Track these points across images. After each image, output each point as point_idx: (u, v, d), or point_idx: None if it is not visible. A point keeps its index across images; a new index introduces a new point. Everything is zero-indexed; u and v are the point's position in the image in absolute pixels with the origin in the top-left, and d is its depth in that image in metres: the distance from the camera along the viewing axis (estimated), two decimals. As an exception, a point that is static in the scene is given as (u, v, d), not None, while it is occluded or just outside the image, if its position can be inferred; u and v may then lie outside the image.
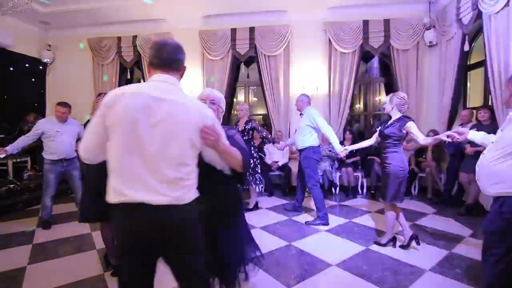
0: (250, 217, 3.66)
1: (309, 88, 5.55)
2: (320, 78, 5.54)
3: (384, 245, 2.88)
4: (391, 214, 2.79)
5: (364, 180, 5.15)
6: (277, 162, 5.19)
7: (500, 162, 1.57)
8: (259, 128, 4.01)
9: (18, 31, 5.77)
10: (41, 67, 6.33)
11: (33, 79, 6.17)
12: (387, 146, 2.72)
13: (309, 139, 3.58)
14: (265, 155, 5.38)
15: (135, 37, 5.93)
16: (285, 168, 5.16)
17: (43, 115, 5.90)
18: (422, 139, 2.58)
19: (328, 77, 5.48)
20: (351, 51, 5.32)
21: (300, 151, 3.69)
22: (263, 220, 3.80)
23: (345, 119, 5.48)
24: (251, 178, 3.94)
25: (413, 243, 2.78)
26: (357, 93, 7.77)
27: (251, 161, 3.84)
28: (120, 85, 6.20)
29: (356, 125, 7.33)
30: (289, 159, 5.40)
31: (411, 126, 2.59)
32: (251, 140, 4.00)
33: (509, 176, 1.53)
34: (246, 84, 6.14)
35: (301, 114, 3.74)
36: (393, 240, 2.90)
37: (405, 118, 2.65)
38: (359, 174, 5.12)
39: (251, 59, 5.98)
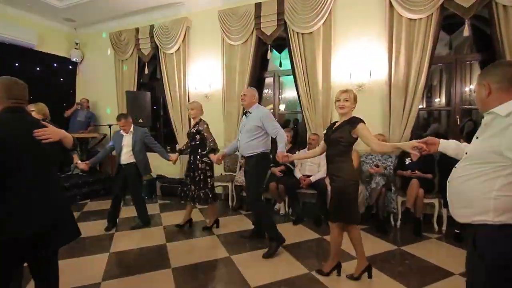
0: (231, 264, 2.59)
1: (358, 74, 3.97)
2: (375, 60, 3.91)
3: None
4: None
5: (444, 211, 3.35)
6: (309, 176, 3.79)
7: (469, 179, 1.19)
8: (205, 134, 3.22)
9: (46, 31, 5.67)
10: (70, 67, 6.20)
11: (61, 79, 6.05)
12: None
13: (257, 143, 2.86)
14: (294, 166, 4.03)
15: (152, 26, 5.26)
16: (319, 185, 3.72)
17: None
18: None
19: (388, 57, 3.81)
20: (423, 16, 3.56)
21: (248, 158, 2.95)
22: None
23: (413, 118, 3.74)
24: (188, 192, 3.32)
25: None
26: (436, 81, 5.71)
27: (196, 174, 3.25)
28: (139, 81, 5.61)
29: (435, 125, 5.32)
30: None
31: None
32: (198, 147, 3.25)
33: (478, 198, 1.15)
34: (277, 74, 4.86)
35: (246, 112, 2.97)
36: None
37: None
38: (435, 200, 3.35)
39: (282, 44, 4.70)
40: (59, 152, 1.63)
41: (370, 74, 3.90)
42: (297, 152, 4.09)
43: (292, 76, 4.38)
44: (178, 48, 5.10)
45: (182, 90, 5.15)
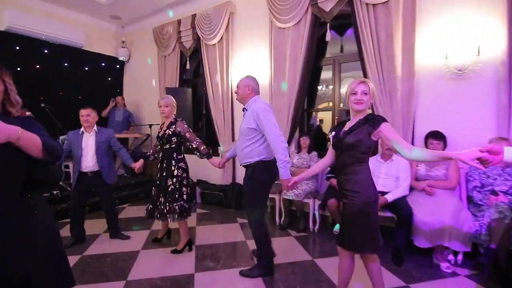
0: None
1: (458, 54, 2.84)
2: (486, 34, 2.74)
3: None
4: None
5: None
6: (384, 193, 2.80)
7: None
8: (187, 134, 2.69)
9: (94, 30, 5.62)
10: (118, 66, 6.12)
11: (109, 78, 5.98)
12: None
13: (255, 150, 2.23)
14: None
15: (193, 16, 4.77)
16: (400, 207, 2.69)
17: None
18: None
19: (508, 27, 2.62)
20: None
21: (245, 168, 2.36)
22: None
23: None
24: (160, 207, 2.72)
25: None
26: None
27: (170, 182, 2.70)
28: (181, 77, 5.19)
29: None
30: (412, 188, 2.88)
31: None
32: (173, 151, 2.75)
33: None
34: (337, 61, 3.92)
35: (243, 109, 2.34)
36: None
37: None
38: None
39: (345, 24, 3.75)
40: (21, 163, 1.06)
41: (478, 52, 2.73)
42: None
43: (353, 63, 3.42)
44: (221, 38, 4.50)
45: (225, 85, 4.54)
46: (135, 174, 5.46)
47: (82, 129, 3.00)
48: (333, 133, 1.81)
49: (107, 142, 3.07)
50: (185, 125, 2.71)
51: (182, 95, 4.73)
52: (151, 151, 3.05)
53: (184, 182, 2.74)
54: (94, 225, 3.62)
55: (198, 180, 4.87)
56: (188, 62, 5.07)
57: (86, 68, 5.59)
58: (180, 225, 2.82)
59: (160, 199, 2.73)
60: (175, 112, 2.79)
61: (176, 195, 2.67)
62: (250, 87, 2.25)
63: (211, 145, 4.80)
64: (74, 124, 5.26)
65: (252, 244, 3.04)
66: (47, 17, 4.85)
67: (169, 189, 2.68)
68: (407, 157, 1.55)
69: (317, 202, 3.38)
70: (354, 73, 4.41)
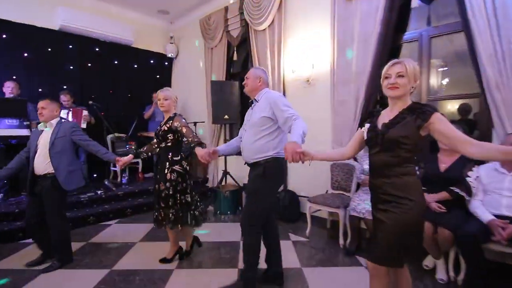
0: None
1: None
2: None
3: None
4: None
5: None
6: (510, 219, 1.86)
7: None
8: (184, 129, 2.32)
9: (143, 26, 5.50)
10: (166, 63, 5.95)
11: (158, 76, 5.84)
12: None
13: (267, 144, 1.97)
14: (469, 194, 2.15)
15: (241, 0, 4.24)
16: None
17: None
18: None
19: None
20: None
21: (253, 166, 2.05)
22: None
23: None
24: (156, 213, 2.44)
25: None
26: None
27: (162, 187, 2.35)
28: (228, 70, 4.73)
29: None
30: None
31: None
32: (169, 151, 2.40)
33: None
34: (425, 36, 2.97)
35: (252, 101, 2.12)
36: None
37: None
38: None
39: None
40: None
41: None
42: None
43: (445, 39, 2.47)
44: (272, 22, 3.88)
45: (276, 75, 3.91)
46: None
47: (41, 124, 2.53)
48: (367, 125, 1.53)
49: (66, 137, 2.48)
50: (184, 120, 2.39)
51: (228, 89, 4.24)
52: (145, 148, 2.63)
53: (178, 188, 2.38)
54: (136, 229, 3.30)
55: (244, 184, 4.33)
56: (235, 53, 4.58)
57: (136, 66, 5.50)
58: (169, 232, 2.56)
59: (157, 204, 2.43)
60: (176, 106, 2.50)
61: (170, 202, 2.37)
62: (261, 78, 2.09)
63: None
64: (122, 123, 5.29)
65: (311, 273, 2.35)
66: (97, 15, 4.82)
67: (162, 194, 2.36)
68: (468, 155, 1.28)
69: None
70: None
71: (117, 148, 4.68)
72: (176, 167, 2.37)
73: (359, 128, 1.64)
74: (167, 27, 5.88)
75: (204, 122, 5.07)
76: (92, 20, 4.68)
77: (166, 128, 2.37)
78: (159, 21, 5.73)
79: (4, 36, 4.06)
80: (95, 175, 4.90)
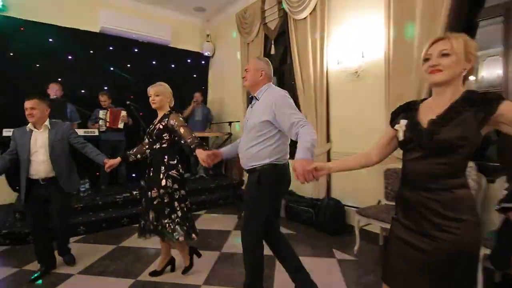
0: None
1: None
2: None
3: None
4: None
5: None
6: None
7: None
8: (181, 129, 2.05)
9: (180, 25, 5.45)
10: (203, 62, 5.83)
11: (194, 75, 5.74)
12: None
13: (265, 150, 1.75)
14: None
15: (280, -12, 3.90)
16: None
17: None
18: None
19: None
20: None
21: (249, 173, 1.84)
22: None
23: None
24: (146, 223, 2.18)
25: None
26: None
27: (155, 194, 2.09)
28: (265, 66, 4.39)
29: None
30: None
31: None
32: (164, 153, 2.13)
33: None
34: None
35: (252, 98, 1.87)
36: None
37: None
38: None
39: None
40: None
41: None
42: None
43: None
44: (314, 8, 3.47)
45: (318, 68, 3.49)
46: (214, 176, 5.02)
47: (29, 125, 2.33)
48: (404, 122, 1.13)
49: (64, 140, 2.40)
50: (181, 118, 2.13)
51: (264, 86, 3.90)
52: (134, 150, 2.37)
53: (176, 196, 2.13)
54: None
55: (283, 189, 3.97)
56: (273, 46, 4.24)
57: (173, 66, 5.45)
58: (161, 243, 2.32)
59: (149, 213, 2.16)
60: (171, 103, 2.25)
61: (166, 211, 2.11)
62: (262, 71, 1.83)
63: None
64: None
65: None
66: (135, 16, 4.84)
67: (155, 202, 2.10)
68: None
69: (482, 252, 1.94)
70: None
71: (153, 149, 4.63)
72: (173, 173, 2.10)
73: (389, 124, 1.25)
74: (203, 25, 5.76)
75: (239, 121, 4.82)
76: (130, 21, 4.71)
77: (161, 127, 2.11)
78: (195, 19, 5.64)
79: (50, 40, 4.23)
80: (133, 175, 4.92)
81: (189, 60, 5.65)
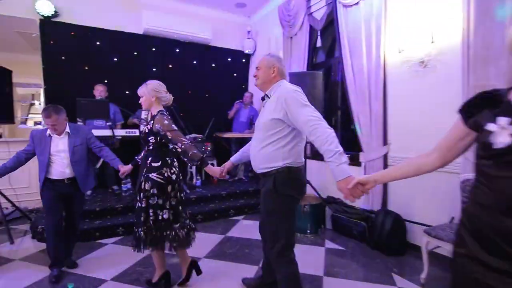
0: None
1: None
2: None
3: None
4: None
5: None
6: None
7: None
8: (169, 134, 1.90)
9: (220, 24, 5.30)
10: (244, 60, 5.63)
11: (235, 74, 5.56)
12: None
13: (277, 152, 1.63)
14: None
15: (328, -28, 3.49)
16: None
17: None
18: None
19: None
20: None
21: (262, 177, 1.72)
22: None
23: None
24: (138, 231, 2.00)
25: None
26: None
27: (137, 198, 2.01)
28: (310, 59, 4.06)
29: None
30: None
31: None
32: (149, 156, 2.01)
33: None
34: None
35: (263, 97, 1.79)
36: None
37: None
38: None
39: None
40: None
41: None
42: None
43: None
44: (369, -10, 3.01)
45: (373, 59, 3.02)
46: (254, 179, 4.77)
47: (49, 131, 2.33)
48: (504, 120, 0.77)
49: (84, 145, 2.45)
50: (166, 121, 1.94)
51: (310, 81, 3.52)
52: (141, 155, 2.24)
53: (151, 202, 1.95)
54: (204, 241, 2.95)
55: (329, 197, 3.55)
56: (319, 38, 3.84)
57: (213, 65, 5.33)
58: (152, 255, 2.12)
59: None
60: (164, 101, 2.10)
61: (141, 217, 1.96)
62: (275, 68, 1.73)
63: (350, 150, 3.35)
64: (200, 123, 5.18)
65: None
66: (177, 15, 4.81)
67: (136, 207, 2.03)
68: None
69: None
70: None
71: (193, 149, 4.54)
72: (153, 175, 1.95)
73: (460, 121, 0.93)
74: (244, 21, 5.55)
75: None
76: (172, 21, 4.68)
77: (147, 130, 1.99)
78: (236, 16, 5.45)
79: (98, 43, 4.36)
80: (174, 176, 4.89)
81: (229, 59, 5.49)
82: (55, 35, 4.05)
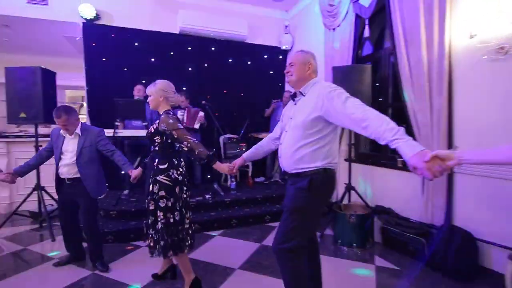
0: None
1: None
2: None
3: None
4: None
5: None
6: None
7: None
8: (174, 132, 1.90)
9: (256, 20, 5.11)
10: (280, 56, 5.36)
11: (271, 71, 5.32)
12: None
13: (316, 153, 1.56)
14: None
15: (379, -48, 3.09)
16: None
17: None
18: None
19: None
20: None
21: (294, 177, 1.63)
22: None
23: None
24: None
25: None
26: None
27: (146, 200, 2.03)
28: (355, 52, 3.69)
29: None
30: None
31: None
32: (155, 157, 2.00)
33: None
34: None
35: (295, 95, 1.70)
36: None
37: None
38: None
39: None
40: None
41: None
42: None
43: None
44: (431, -33, 2.57)
45: (435, 48, 2.57)
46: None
47: (62, 131, 2.38)
48: None
49: (93, 147, 2.40)
50: (171, 120, 1.92)
51: (357, 76, 3.16)
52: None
53: (161, 204, 1.93)
54: (240, 248, 2.75)
55: (378, 206, 3.15)
56: (367, 27, 3.44)
57: (249, 63, 5.15)
58: (177, 261, 2.10)
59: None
60: (172, 101, 2.07)
61: (149, 220, 2.00)
62: (310, 65, 1.65)
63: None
64: (234, 123, 5.04)
65: None
66: (212, 13, 4.71)
67: (148, 207, 2.02)
68: None
69: None
70: None
71: (228, 150, 4.39)
72: (161, 178, 1.93)
73: None
74: (281, 15, 5.28)
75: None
76: (208, 19, 4.59)
77: (152, 130, 1.99)
78: (273, 10, 5.20)
79: (136, 44, 4.39)
80: (208, 176, 4.79)
81: (265, 56, 5.26)
82: (96, 37, 4.16)
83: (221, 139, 4.52)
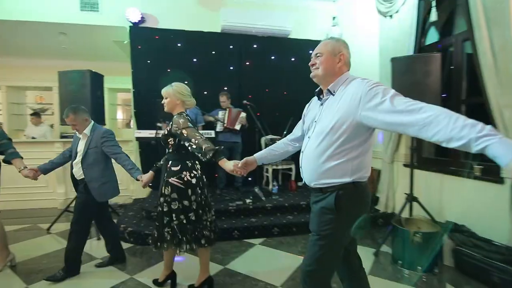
0: None
1: None
2: None
3: None
4: None
5: None
6: None
7: None
8: (184, 131, 1.86)
9: (301, 13, 4.81)
10: (327, 51, 4.96)
11: (316, 68, 4.95)
12: None
13: (346, 165, 1.26)
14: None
15: None
16: None
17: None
18: None
19: None
20: None
21: (317, 192, 1.36)
22: None
23: None
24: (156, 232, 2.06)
25: None
26: None
27: (158, 202, 2.03)
28: (418, 41, 3.20)
29: None
30: None
31: None
32: (169, 159, 2.02)
33: None
34: None
35: (320, 92, 1.42)
36: None
37: None
38: None
39: None
40: None
41: None
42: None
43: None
44: None
45: (537, 25, 2.02)
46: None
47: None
48: None
49: (98, 148, 2.31)
50: (182, 120, 1.89)
51: (422, 68, 2.67)
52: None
53: (174, 206, 1.93)
54: (282, 263, 2.50)
55: (448, 222, 2.63)
56: (433, 10, 2.92)
57: (293, 59, 4.85)
58: (201, 254, 2.10)
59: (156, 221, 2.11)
60: (187, 104, 2.04)
61: (165, 221, 1.96)
62: (342, 55, 1.34)
63: (485, 161, 2.41)
64: (277, 123, 4.78)
65: None
66: (254, 9, 4.51)
67: (158, 210, 2.02)
68: None
69: None
70: None
71: (269, 152, 4.17)
72: (173, 180, 1.93)
73: None
74: (328, 6, 4.88)
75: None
76: (250, 15, 4.41)
77: (166, 132, 1.99)
78: (319, 1, 4.84)
79: (179, 44, 4.39)
80: (249, 179, 4.61)
81: (310, 51, 4.85)
82: (142, 40, 4.24)
83: (263, 140, 4.31)
